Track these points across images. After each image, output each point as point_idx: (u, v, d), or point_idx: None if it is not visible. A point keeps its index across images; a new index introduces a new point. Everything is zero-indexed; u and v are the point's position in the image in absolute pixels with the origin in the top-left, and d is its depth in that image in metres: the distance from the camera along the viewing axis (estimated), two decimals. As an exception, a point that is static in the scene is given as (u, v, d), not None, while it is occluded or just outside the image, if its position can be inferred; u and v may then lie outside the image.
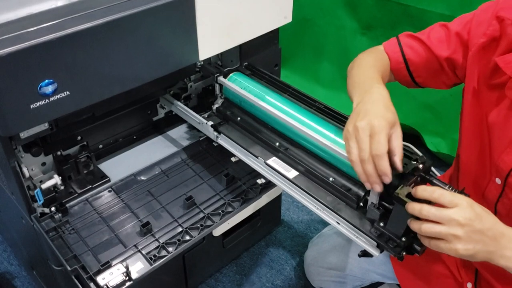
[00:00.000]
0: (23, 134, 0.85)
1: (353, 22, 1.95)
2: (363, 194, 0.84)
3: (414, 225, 0.74)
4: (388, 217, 0.80)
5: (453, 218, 0.69)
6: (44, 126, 0.87)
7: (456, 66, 0.92)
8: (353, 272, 1.27)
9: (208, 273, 1.43)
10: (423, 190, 0.73)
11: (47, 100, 0.79)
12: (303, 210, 1.67)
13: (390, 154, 0.74)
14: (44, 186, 0.96)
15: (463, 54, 0.90)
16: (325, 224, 1.60)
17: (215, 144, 1.10)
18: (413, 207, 0.73)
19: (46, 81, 0.78)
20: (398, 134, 0.76)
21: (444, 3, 1.65)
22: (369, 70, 0.91)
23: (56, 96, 0.80)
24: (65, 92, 0.81)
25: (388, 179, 0.73)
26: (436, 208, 0.70)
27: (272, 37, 1.15)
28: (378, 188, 0.75)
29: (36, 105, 0.78)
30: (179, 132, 1.21)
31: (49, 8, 0.84)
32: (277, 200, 1.51)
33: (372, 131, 0.74)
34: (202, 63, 1.01)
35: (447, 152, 1.85)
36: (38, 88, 0.77)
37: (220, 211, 0.99)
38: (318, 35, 2.06)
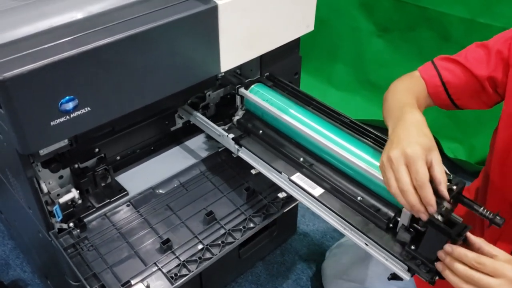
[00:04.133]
0: (43, 151, 0.83)
1: (369, 24, 1.92)
2: (393, 215, 0.82)
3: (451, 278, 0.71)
4: (419, 240, 0.77)
5: None
6: (64, 142, 0.84)
7: (497, 84, 0.89)
8: (373, 285, 1.25)
9: (223, 284, 1.40)
10: (464, 256, 0.70)
11: (67, 117, 0.77)
12: (319, 218, 1.63)
13: (434, 182, 0.71)
14: (61, 200, 0.94)
15: (503, 71, 0.87)
16: (341, 233, 1.57)
17: (234, 156, 1.07)
18: (457, 269, 0.70)
19: (67, 97, 0.75)
20: (437, 160, 0.72)
21: (463, 6, 1.62)
22: (403, 95, 0.88)
23: (77, 112, 0.78)
24: (85, 108, 0.78)
25: (433, 209, 0.70)
26: (480, 276, 0.68)
27: (293, 45, 1.12)
28: (424, 216, 0.71)
29: (56, 122, 0.76)
30: (197, 143, 1.18)
31: (69, 21, 0.81)
32: (294, 209, 1.49)
33: (407, 160, 0.71)
34: (223, 74, 0.98)
35: (465, 158, 1.82)
36: (59, 105, 0.75)
37: (241, 227, 0.97)
38: (333, 36, 2.03)
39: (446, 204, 0.74)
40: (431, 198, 0.70)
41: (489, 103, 0.94)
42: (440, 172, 0.71)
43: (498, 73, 0.88)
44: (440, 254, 0.73)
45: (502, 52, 0.87)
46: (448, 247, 0.71)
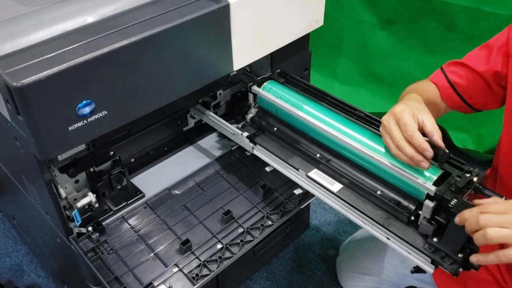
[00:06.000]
0: (61, 156, 0.83)
1: (372, 16, 1.91)
2: (414, 208, 0.82)
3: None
4: (441, 232, 0.77)
5: None
6: (82, 147, 0.84)
7: (500, 77, 0.92)
8: (389, 277, 1.25)
9: (239, 281, 1.41)
10: (468, 211, 0.69)
11: (85, 121, 0.76)
12: (330, 212, 1.65)
13: (428, 136, 0.77)
14: (79, 204, 0.94)
15: (503, 63, 0.90)
16: (353, 226, 1.57)
17: (248, 154, 1.07)
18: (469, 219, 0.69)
19: (84, 102, 0.75)
20: (428, 117, 0.78)
21: (468, -5, 1.61)
22: (409, 91, 0.94)
23: (94, 116, 0.77)
24: (102, 112, 0.78)
25: (429, 153, 0.75)
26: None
27: (303, 41, 1.12)
28: (425, 165, 0.76)
29: (74, 126, 0.76)
30: (210, 142, 1.18)
31: (82, 25, 0.81)
32: (307, 204, 1.49)
33: (396, 118, 0.78)
34: (235, 72, 0.98)
35: (473, 148, 1.82)
36: (76, 110, 0.75)
37: (259, 225, 0.97)
38: (336, 30, 2.03)
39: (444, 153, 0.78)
40: (423, 143, 0.75)
41: (498, 99, 0.96)
42: (431, 125, 0.77)
43: (499, 66, 0.91)
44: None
45: (501, 47, 0.90)
46: (456, 218, 0.71)
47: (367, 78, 2.06)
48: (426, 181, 0.78)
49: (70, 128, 0.75)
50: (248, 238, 0.95)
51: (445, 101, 0.97)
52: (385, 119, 0.81)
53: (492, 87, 0.94)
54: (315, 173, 0.92)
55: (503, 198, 0.75)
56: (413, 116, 0.78)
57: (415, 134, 0.76)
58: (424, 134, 0.78)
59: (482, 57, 0.94)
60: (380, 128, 0.83)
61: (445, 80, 0.97)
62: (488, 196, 0.77)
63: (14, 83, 0.67)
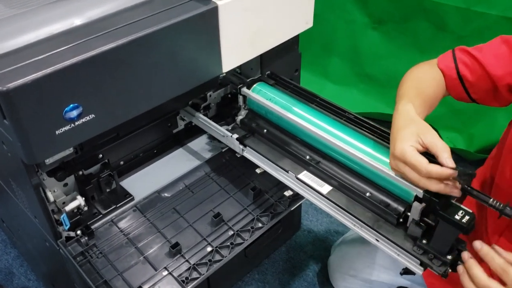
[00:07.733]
0: (48, 160, 0.82)
1: (363, 16, 1.92)
2: (403, 210, 0.82)
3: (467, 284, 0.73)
4: (430, 234, 0.77)
5: None
6: (69, 150, 0.84)
7: (511, 85, 0.88)
8: (381, 277, 1.25)
9: (230, 283, 1.40)
10: (491, 258, 0.71)
11: (72, 125, 0.76)
12: (322, 213, 1.65)
13: (438, 159, 0.72)
14: (68, 208, 0.93)
15: None
16: (345, 226, 1.56)
17: (238, 156, 1.07)
18: (476, 275, 0.71)
19: (71, 105, 0.74)
20: (432, 137, 0.74)
21: (460, -5, 1.62)
22: (409, 86, 0.90)
23: (81, 120, 0.77)
24: (90, 115, 0.77)
25: (454, 174, 0.71)
26: (488, 279, 0.70)
27: (292, 42, 1.12)
28: (456, 191, 0.73)
29: (61, 130, 0.75)
30: (200, 144, 1.18)
31: (69, 28, 0.80)
32: (298, 206, 1.48)
33: (402, 160, 0.74)
34: (224, 74, 0.97)
35: (464, 147, 1.83)
36: (63, 113, 0.74)
37: (249, 228, 0.97)
38: (327, 30, 2.02)
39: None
40: (442, 173, 0.71)
41: (503, 101, 0.92)
42: (438, 145, 0.73)
43: None
44: (464, 255, 0.74)
45: None
46: (477, 244, 0.72)
47: (359, 78, 2.06)
48: (415, 183, 0.78)
49: (57, 132, 0.75)
50: (238, 240, 0.95)
51: (449, 91, 0.93)
52: (393, 165, 0.77)
53: (500, 91, 0.90)
54: (305, 175, 0.92)
55: (491, 199, 0.74)
56: (415, 147, 0.74)
57: (429, 169, 0.71)
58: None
59: (501, 56, 0.87)
60: (392, 166, 0.78)
61: (454, 71, 0.91)
62: (476, 197, 0.77)
63: (0, 87, 0.66)
